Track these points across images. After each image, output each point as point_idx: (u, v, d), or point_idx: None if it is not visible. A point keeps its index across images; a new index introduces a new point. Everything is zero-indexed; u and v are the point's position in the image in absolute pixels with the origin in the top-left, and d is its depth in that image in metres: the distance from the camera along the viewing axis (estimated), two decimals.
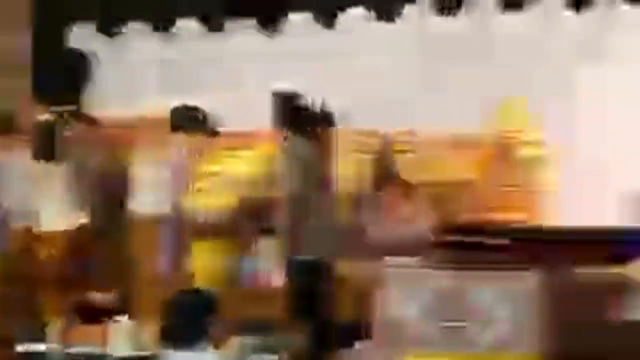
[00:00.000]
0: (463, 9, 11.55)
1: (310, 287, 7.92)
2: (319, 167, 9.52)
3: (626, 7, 10.88)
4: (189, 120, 9.21)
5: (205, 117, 9.23)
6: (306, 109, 9.69)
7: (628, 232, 8.46)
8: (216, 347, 4.51)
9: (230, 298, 7.02)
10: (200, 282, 8.01)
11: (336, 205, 9.53)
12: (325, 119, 9.85)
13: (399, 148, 10.71)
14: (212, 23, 12.22)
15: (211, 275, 8.40)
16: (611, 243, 6.27)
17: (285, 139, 9.37)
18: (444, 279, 5.72)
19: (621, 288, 6.09)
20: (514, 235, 10.12)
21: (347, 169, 10.34)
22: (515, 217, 10.29)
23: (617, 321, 5.95)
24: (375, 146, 10.70)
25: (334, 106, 9.91)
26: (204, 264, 8.72)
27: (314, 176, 9.35)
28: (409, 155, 10.69)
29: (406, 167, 10.62)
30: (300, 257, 8.30)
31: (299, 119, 9.56)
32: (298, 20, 12.17)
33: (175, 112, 9.29)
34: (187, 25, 12.37)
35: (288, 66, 11.29)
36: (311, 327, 7.43)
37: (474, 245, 5.70)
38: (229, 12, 12.20)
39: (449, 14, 11.59)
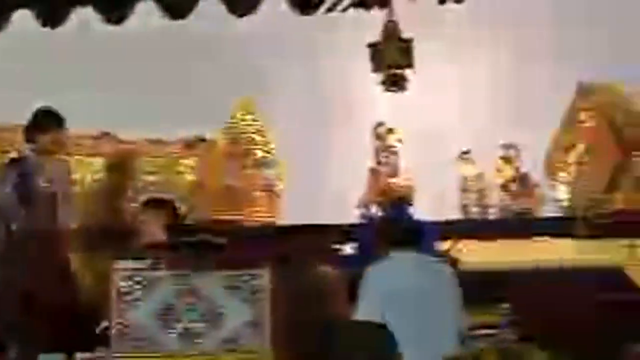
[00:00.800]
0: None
1: None
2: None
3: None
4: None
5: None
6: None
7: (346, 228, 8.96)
8: None
9: None
10: None
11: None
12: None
13: (130, 151, 10.66)
14: None
15: None
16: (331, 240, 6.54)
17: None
18: (175, 280, 5.73)
19: (344, 286, 6.37)
20: (246, 234, 10.37)
21: (83, 171, 10.20)
22: (244, 215, 10.51)
23: (346, 319, 6.21)
24: (109, 150, 10.60)
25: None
26: None
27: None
28: (142, 158, 10.66)
29: (139, 170, 10.58)
30: None
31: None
32: None
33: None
34: None
35: None
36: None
37: (204, 244, 5.75)
38: None
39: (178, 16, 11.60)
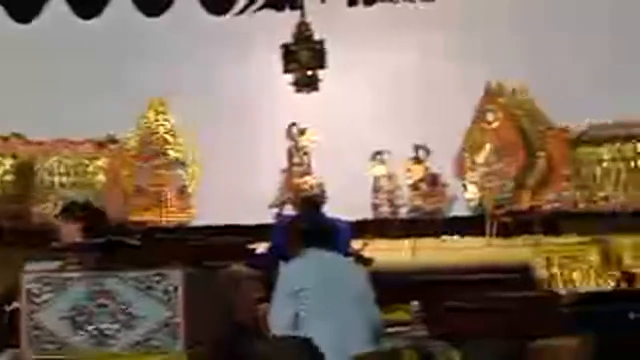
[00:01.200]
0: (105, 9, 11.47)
1: None
2: None
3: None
4: None
5: None
6: None
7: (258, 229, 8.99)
8: None
9: None
10: None
11: None
12: None
13: (42, 153, 10.54)
14: None
15: None
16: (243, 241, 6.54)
17: None
18: (86, 281, 5.66)
19: (257, 286, 6.39)
20: (159, 234, 10.30)
21: None
22: (158, 216, 10.46)
23: (263, 318, 6.24)
24: (19, 150, 10.46)
25: None
26: None
27: None
28: (54, 159, 10.53)
29: (54, 171, 10.46)
30: None
31: None
32: None
33: None
34: None
35: None
36: None
37: (116, 245, 5.69)
38: None
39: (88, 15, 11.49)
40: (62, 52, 11.41)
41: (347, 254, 6.70)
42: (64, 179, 10.71)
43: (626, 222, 9.82)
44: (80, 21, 11.46)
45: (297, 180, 10.37)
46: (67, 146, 10.83)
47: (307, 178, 8.05)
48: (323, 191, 7.84)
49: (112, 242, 5.69)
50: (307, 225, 6.14)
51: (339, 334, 5.78)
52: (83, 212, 6.68)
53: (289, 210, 9.68)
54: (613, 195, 9.99)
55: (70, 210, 6.77)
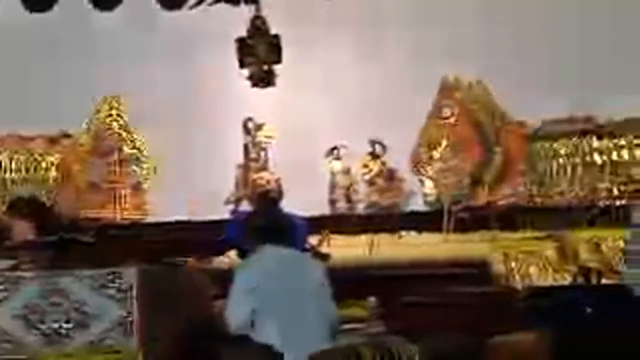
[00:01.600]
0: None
1: None
2: None
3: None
4: None
5: None
6: None
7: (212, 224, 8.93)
8: None
9: None
10: None
11: None
12: None
13: None
14: None
15: None
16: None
17: None
18: (39, 280, 5.56)
19: (213, 283, 6.34)
20: (113, 231, 10.20)
21: None
22: (112, 213, 10.36)
23: (219, 315, 6.18)
24: None
25: None
26: None
27: None
28: (4, 154, 10.40)
29: (5, 167, 10.34)
30: None
31: None
32: None
33: None
34: None
35: None
36: None
37: (70, 242, 5.61)
38: None
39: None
40: (14, 45, 11.26)
41: (304, 250, 6.65)
42: (15, 175, 10.56)
43: (582, 217, 9.88)
44: (33, 15, 11.31)
45: (253, 176, 10.31)
46: (18, 142, 10.67)
47: (263, 173, 7.98)
48: (279, 186, 7.78)
49: (65, 240, 5.60)
50: (263, 221, 6.09)
51: (295, 331, 5.73)
52: (29, 208, 6.56)
53: (245, 206, 9.61)
54: (569, 190, 10.04)
55: (16, 206, 6.64)
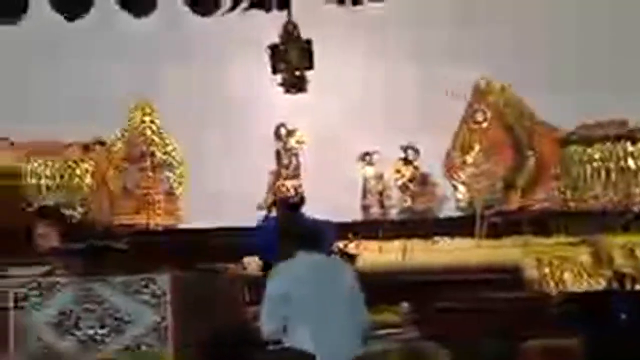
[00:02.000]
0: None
1: None
2: None
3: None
4: None
5: None
6: None
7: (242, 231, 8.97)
8: None
9: None
10: None
11: None
12: None
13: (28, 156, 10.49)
14: None
15: None
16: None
17: None
18: (73, 286, 5.60)
19: (247, 288, 6.36)
20: (147, 238, 10.25)
21: None
22: (145, 219, 10.40)
23: (252, 320, 6.21)
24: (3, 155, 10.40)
25: None
26: None
27: None
28: (38, 162, 10.47)
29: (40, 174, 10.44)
30: None
31: None
32: None
33: None
34: None
35: None
36: None
37: (104, 249, 5.64)
38: None
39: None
40: (50, 51, 11.36)
41: (330, 253, 6.64)
42: (50, 182, 10.65)
43: (616, 222, 9.80)
44: (66, 22, 11.38)
45: (282, 182, 10.34)
46: (53, 148, 10.76)
47: (287, 181, 7.97)
48: (300, 192, 7.77)
49: (98, 246, 5.64)
50: (295, 227, 6.09)
51: (328, 336, 5.74)
52: (54, 215, 6.63)
53: (277, 212, 9.60)
54: (603, 194, 9.96)
55: (42, 213, 6.71)
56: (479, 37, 10.77)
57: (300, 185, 7.77)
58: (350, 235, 9.11)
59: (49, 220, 6.55)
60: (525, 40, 10.58)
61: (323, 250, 6.18)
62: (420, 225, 10.14)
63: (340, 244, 8.25)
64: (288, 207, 7.50)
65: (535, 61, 10.53)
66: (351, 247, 8.77)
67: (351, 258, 8.16)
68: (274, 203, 8.04)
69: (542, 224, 10.04)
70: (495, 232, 10.03)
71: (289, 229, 5.99)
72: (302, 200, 7.76)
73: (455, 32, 10.94)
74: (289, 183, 7.79)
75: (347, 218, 9.58)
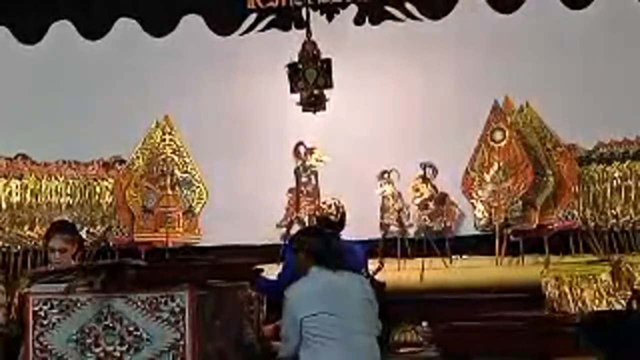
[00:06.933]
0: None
1: None
2: None
3: None
4: None
5: None
6: None
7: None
8: None
9: None
10: None
11: None
12: None
13: (48, 174, 10.52)
14: None
15: None
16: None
17: None
18: (93, 303, 5.62)
19: (266, 306, 6.37)
20: (166, 255, 10.28)
21: None
22: (164, 237, 10.42)
23: (270, 338, 6.22)
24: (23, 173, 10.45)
25: None
26: None
27: None
28: (59, 180, 10.51)
29: (61, 192, 10.47)
30: None
31: None
32: None
33: None
34: None
35: None
36: None
37: (123, 267, 5.66)
38: None
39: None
40: (68, 72, 11.42)
41: (360, 274, 6.61)
42: (70, 200, 10.69)
43: (637, 240, 9.76)
44: (88, 42, 11.49)
45: (304, 200, 10.35)
46: (73, 167, 10.81)
47: (328, 198, 7.94)
48: (341, 210, 7.74)
49: (119, 263, 5.66)
50: (320, 245, 6.09)
51: (344, 353, 5.74)
52: (69, 233, 6.66)
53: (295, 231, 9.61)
54: (623, 213, 9.92)
55: (55, 229, 6.73)
56: (484, 57, 10.80)
57: (342, 206, 7.74)
58: (379, 263, 9.12)
59: (66, 235, 6.57)
60: (552, 66, 10.58)
61: (353, 270, 6.17)
62: (438, 244, 10.13)
63: (371, 268, 8.25)
64: (325, 224, 7.48)
65: (556, 81, 10.53)
66: (380, 273, 8.78)
67: (380, 285, 8.18)
68: (317, 220, 8.03)
69: (562, 242, 10.01)
70: (515, 250, 10.01)
71: (324, 247, 5.99)
72: (342, 220, 7.73)
73: (469, 52, 10.94)
74: (331, 201, 7.76)
75: (367, 237, 9.57)
